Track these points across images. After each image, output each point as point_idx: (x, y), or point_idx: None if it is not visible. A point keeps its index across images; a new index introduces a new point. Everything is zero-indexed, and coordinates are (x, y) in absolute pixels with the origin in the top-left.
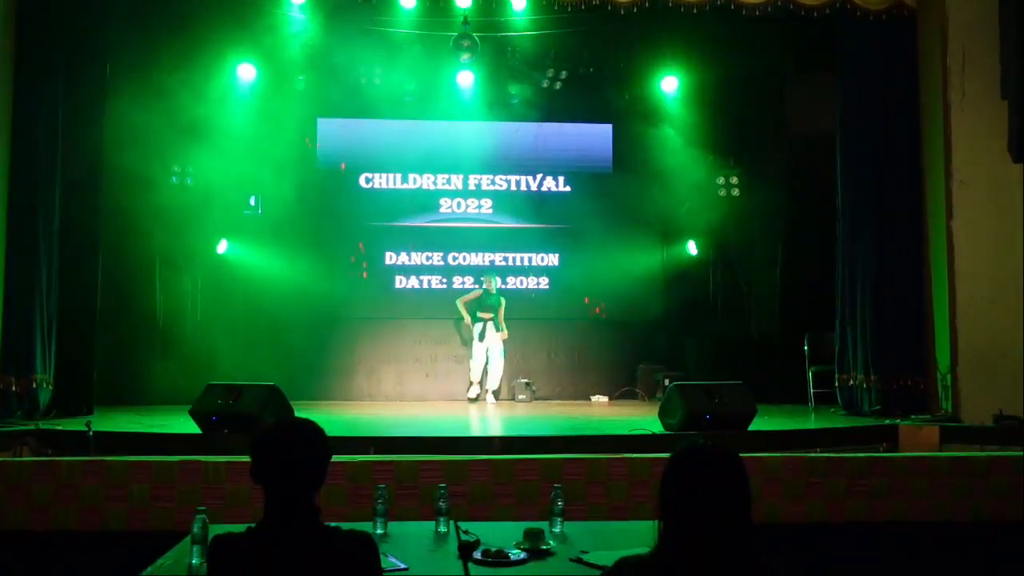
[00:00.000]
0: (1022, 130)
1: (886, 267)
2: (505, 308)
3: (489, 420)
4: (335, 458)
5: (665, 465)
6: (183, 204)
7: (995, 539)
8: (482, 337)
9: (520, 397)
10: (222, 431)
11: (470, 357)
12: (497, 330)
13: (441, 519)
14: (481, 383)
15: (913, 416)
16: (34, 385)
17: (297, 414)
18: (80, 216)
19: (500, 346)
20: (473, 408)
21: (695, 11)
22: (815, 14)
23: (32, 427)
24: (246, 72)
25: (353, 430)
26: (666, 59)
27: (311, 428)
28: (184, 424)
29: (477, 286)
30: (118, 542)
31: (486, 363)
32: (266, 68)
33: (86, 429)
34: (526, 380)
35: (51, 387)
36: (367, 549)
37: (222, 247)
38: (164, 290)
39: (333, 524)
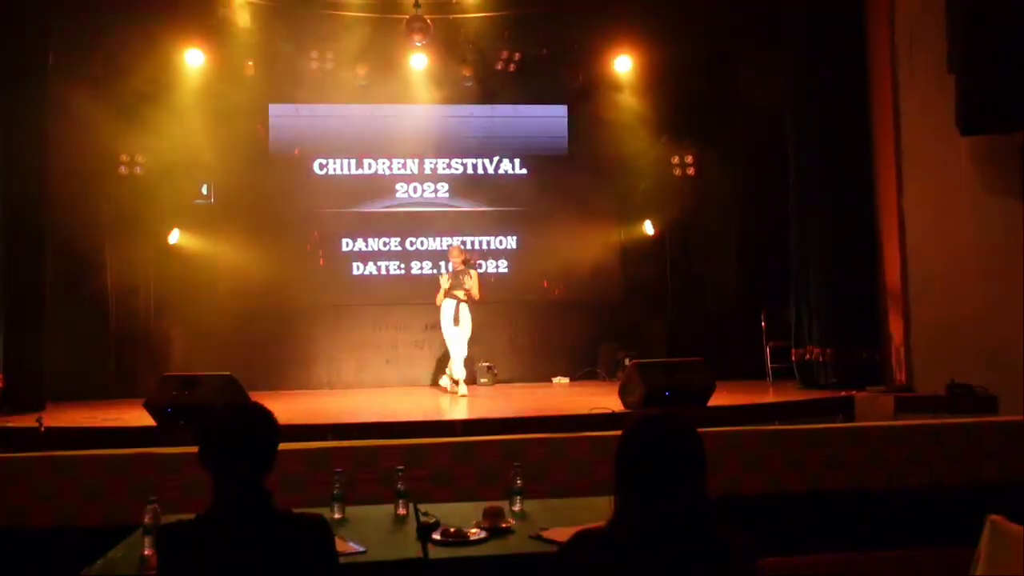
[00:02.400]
0: (969, 103)
1: (839, 242)
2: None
3: (451, 404)
4: (293, 446)
5: (620, 437)
6: (133, 194)
7: (949, 503)
8: (457, 320)
9: (482, 380)
10: (178, 423)
11: (449, 346)
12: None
13: (400, 501)
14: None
15: (868, 388)
16: None
17: None
18: (24, 209)
19: (469, 330)
20: (435, 393)
21: None
22: None
23: None
24: (194, 58)
25: (312, 417)
26: (619, 40)
27: (259, 411)
28: (138, 417)
29: (438, 271)
30: (70, 537)
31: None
32: (215, 54)
33: (37, 425)
34: (487, 364)
35: (1, 384)
36: (320, 532)
37: (174, 237)
38: (116, 282)
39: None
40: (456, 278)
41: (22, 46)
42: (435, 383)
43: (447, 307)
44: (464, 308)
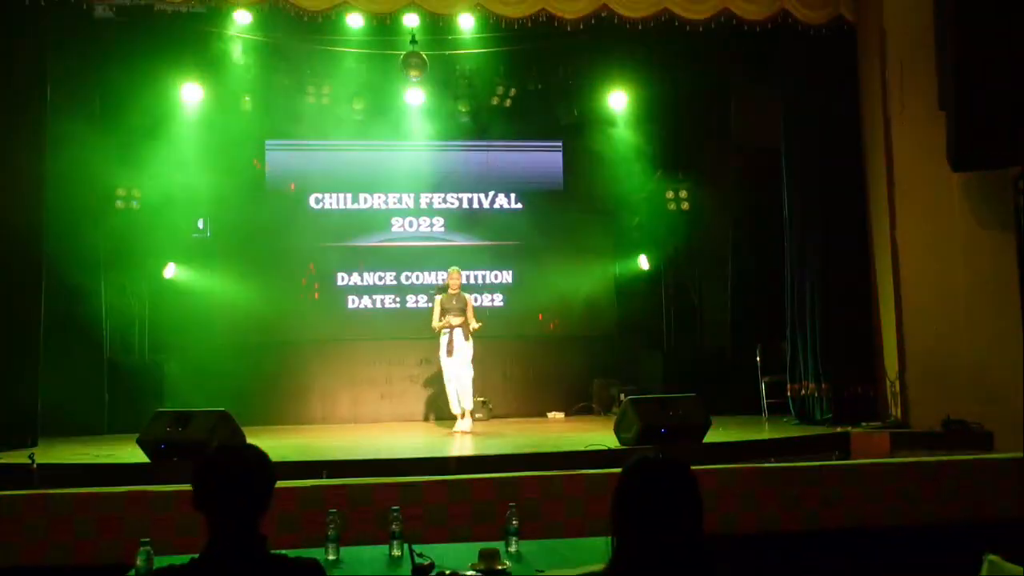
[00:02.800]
0: (960, 139)
1: (833, 277)
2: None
3: (446, 440)
4: (286, 484)
5: (617, 479)
6: (129, 228)
7: (946, 541)
8: (451, 351)
9: (477, 416)
10: (171, 459)
11: (445, 380)
12: (466, 339)
13: (395, 542)
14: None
15: (864, 423)
16: None
17: (249, 439)
18: (21, 243)
19: (469, 357)
20: (430, 429)
21: (640, 27)
22: (757, 28)
23: None
24: (191, 93)
25: (306, 454)
26: (614, 75)
27: (253, 453)
28: (132, 453)
29: (429, 299)
30: None
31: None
32: (212, 89)
33: (30, 462)
34: (482, 399)
35: None
36: None
37: (169, 271)
38: (111, 316)
39: (280, 552)
40: (452, 302)
41: (21, 80)
42: (427, 419)
43: (442, 337)
44: (459, 336)
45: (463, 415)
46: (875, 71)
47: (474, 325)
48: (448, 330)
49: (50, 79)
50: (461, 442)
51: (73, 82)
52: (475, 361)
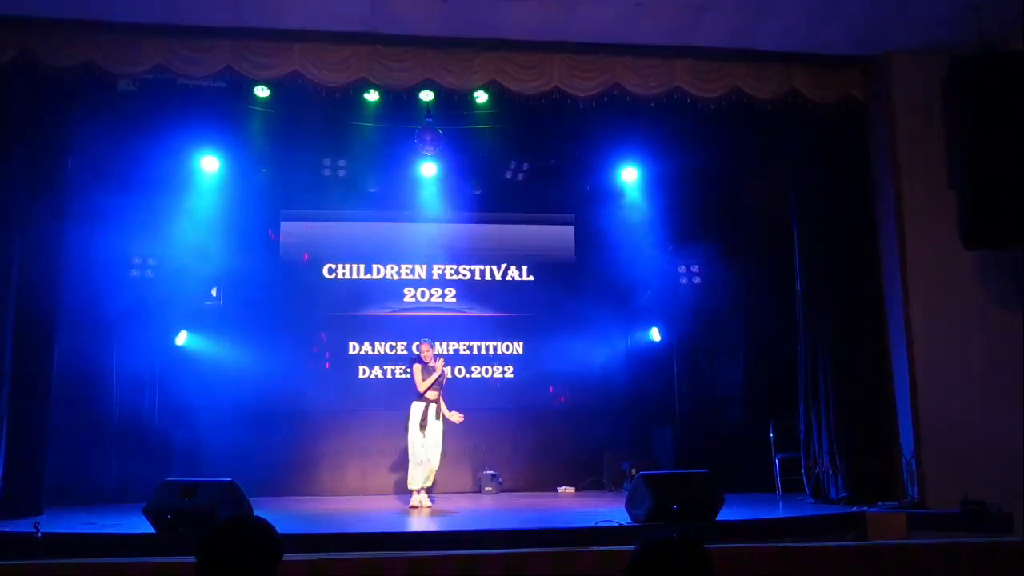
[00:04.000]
0: (971, 218)
1: (847, 352)
2: (470, 398)
3: (455, 514)
4: (292, 557)
5: (631, 558)
6: (143, 295)
7: None
8: (423, 425)
9: (486, 489)
10: (177, 530)
11: (410, 452)
12: (437, 418)
13: None
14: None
15: (880, 503)
16: None
17: (256, 510)
18: (36, 309)
19: (438, 438)
20: (438, 502)
21: (652, 104)
22: (768, 107)
23: None
24: (209, 164)
25: (313, 526)
26: (626, 150)
27: (258, 525)
28: (138, 524)
29: (412, 366)
30: None
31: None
32: (229, 159)
33: (35, 531)
34: (491, 472)
35: None
36: None
37: (181, 339)
38: (121, 383)
39: None
40: (430, 375)
41: (44, 148)
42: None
43: (416, 410)
44: (432, 413)
45: (420, 491)
46: (886, 148)
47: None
48: (424, 404)
49: (71, 148)
50: (470, 517)
51: (93, 150)
52: (484, 433)
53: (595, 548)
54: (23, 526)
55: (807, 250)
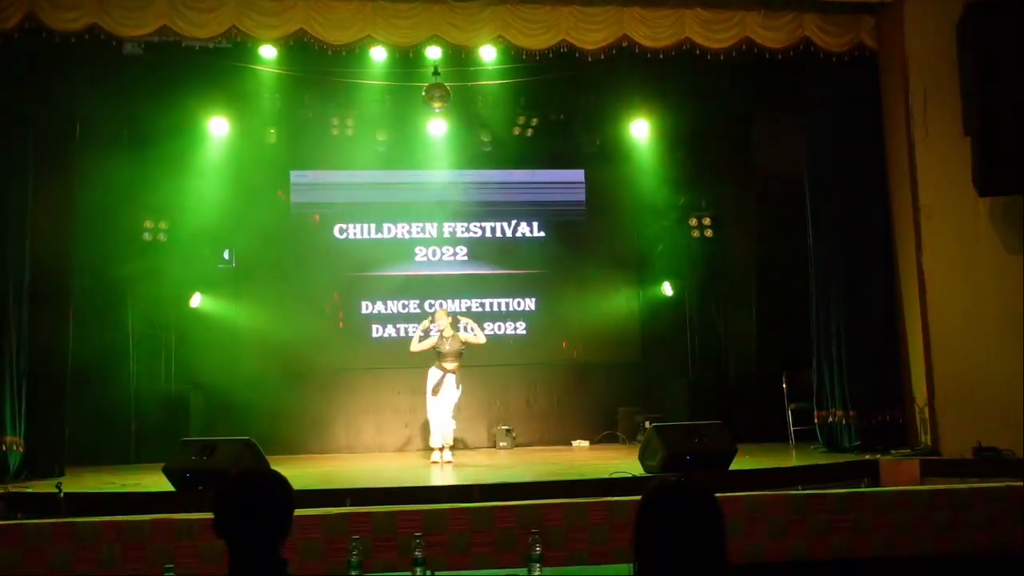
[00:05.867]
0: (985, 164)
1: (860, 303)
2: (483, 355)
3: (469, 469)
4: (310, 511)
5: (638, 505)
6: (156, 260)
7: (978, 570)
8: (436, 390)
9: (501, 444)
10: (197, 488)
11: (428, 414)
12: (457, 387)
13: (417, 569)
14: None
15: (893, 451)
16: (3, 448)
17: (273, 468)
18: (51, 275)
19: (453, 403)
20: (455, 457)
21: (661, 56)
22: (779, 56)
23: (1, 491)
24: (218, 126)
25: (329, 482)
26: (635, 104)
27: (272, 478)
28: (158, 483)
29: (427, 331)
30: None
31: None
32: (238, 122)
33: (57, 491)
34: (506, 427)
35: (21, 449)
36: None
37: (195, 301)
38: (137, 346)
39: None
40: (445, 346)
41: (52, 116)
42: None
43: (433, 375)
44: (451, 382)
45: (443, 449)
46: (898, 96)
47: (480, 339)
48: (441, 372)
49: (80, 114)
50: (485, 470)
51: (102, 117)
52: (499, 389)
53: (609, 498)
54: (46, 487)
55: (819, 201)
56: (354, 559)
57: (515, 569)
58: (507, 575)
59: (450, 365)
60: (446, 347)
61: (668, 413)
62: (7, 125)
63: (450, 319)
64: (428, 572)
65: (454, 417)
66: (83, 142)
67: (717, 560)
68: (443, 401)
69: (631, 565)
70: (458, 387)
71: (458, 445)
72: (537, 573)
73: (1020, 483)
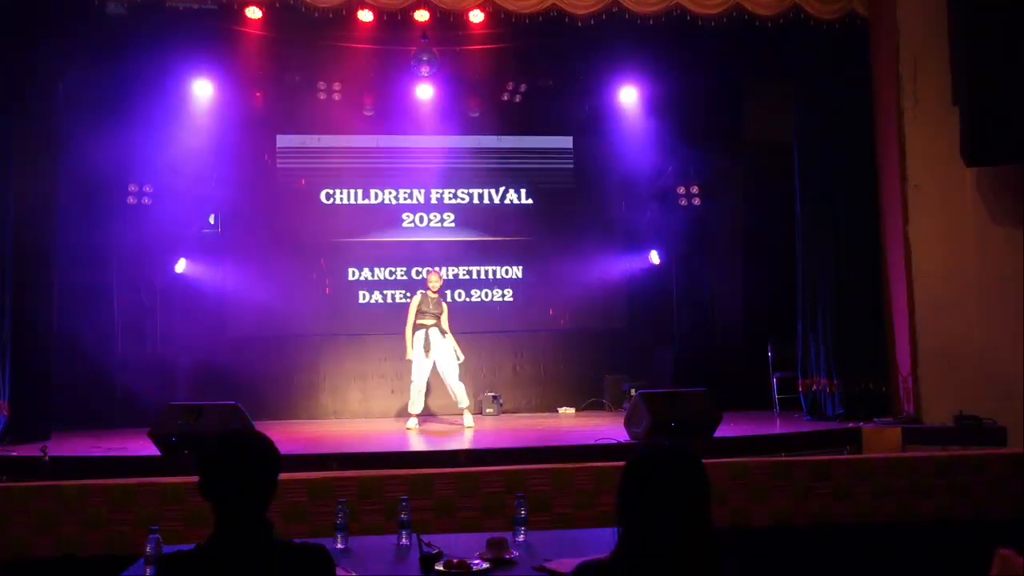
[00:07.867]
0: (974, 134)
1: (845, 272)
2: (470, 321)
3: (455, 435)
4: (296, 475)
5: (623, 469)
6: (140, 224)
7: (957, 536)
8: (427, 348)
9: (487, 411)
10: (182, 452)
11: (413, 378)
12: (443, 336)
13: (403, 532)
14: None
15: (876, 419)
16: None
17: None
18: (34, 238)
19: (452, 354)
20: (440, 423)
21: (651, 23)
22: (769, 24)
23: None
24: (202, 89)
25: (316, 447)
26: (625, 71)
27: (259, 440)
28: (144, 446)
29: (414, 291)
30: (73, 567)
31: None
32: (223, 85)
33: (42, 454)
34: (493, 394)
35: (6, 413)
36: (321, 563)
37: (180, 266)
38: (123, 311)
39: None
40: (429, 305)
41: (34, 78)
42: (437, 413)
43: (417, 339)
44: (435, 333)
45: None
46: (888, 65)
47: (459, 357)
48: (423, 330)
49: (62, 76)
50: (471, 436)
51: (84, 78)
52: (486, 356)
53: (593, 464)
54: (31, 450)
55: (807, 170)
56: (340, 521)
57: (500, 532)
58: (492, 537)
59: (428, 322)
60: (430, 306)
61: (654, 381)
62: None
63: (441, 283)
64: (413, 534)
65: (461, 379)
66: (65, 105)
67: (701, 524)
68: (439, 354)
69: (615, 529)
70: (444, 336)
71: (445, 411)
72: (522, 537)
73: (1000, 451)
